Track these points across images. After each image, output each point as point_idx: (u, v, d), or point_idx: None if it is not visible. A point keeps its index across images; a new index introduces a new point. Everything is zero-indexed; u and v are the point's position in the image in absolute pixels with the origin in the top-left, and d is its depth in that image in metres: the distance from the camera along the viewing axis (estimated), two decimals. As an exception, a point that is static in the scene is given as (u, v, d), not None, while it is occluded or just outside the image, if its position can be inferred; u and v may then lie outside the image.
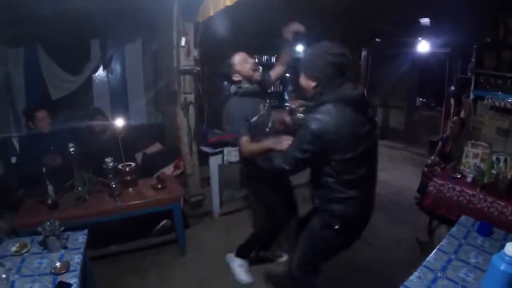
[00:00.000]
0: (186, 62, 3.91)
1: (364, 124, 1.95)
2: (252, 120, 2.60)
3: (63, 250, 2.16)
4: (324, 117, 1.84)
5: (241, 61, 2.69)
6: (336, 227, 2.05)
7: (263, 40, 6.58)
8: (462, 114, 5.21)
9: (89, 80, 5.24)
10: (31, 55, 4.72)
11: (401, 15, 5.63)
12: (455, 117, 4.93)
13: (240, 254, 3.14)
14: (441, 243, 2.20)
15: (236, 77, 2.69)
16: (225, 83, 2.76)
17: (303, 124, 1.91)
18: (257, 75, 2.73)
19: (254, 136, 2.52)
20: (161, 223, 3.61)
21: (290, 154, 1.96)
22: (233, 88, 2.73)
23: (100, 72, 5.33)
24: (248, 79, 2.71)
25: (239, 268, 3.11)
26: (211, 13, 3.35)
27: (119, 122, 3.49)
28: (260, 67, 7.69)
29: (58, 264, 1.97)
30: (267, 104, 2.75)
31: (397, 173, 6.11)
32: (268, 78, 3.01)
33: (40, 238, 2.20)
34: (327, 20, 5.73)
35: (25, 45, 4.66)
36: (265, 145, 2.31)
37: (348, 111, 1.87)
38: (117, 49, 5.32)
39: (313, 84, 1.99)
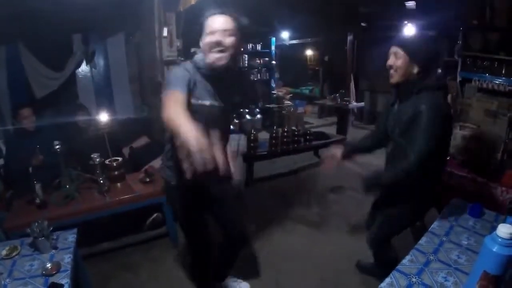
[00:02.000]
0: (169, 52, 3.88)
1: None
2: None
3: (53, 251, 2.11)
4: (439, 101, 1.96)
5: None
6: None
7: (248, 27, 6.52)
8: (449, 98, 5.23)
9: (73, 76, 5.17)
10: (13, 53, 4.64)
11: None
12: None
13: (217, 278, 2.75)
14: (432, 226, 2.21)
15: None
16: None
17: (420, 112, 1.92)
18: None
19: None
20: (152, 217, 3.57)
21: (422, 148, 1.92)
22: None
23: (84, 67, 5.27)
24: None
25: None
26: (193, 1, 3.30)
27: (103, 117, 3.44)
28: (246, 55, 7.66)
29: (49, 265, 1.93)
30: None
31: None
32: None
33: (30, 239, 2.16)
34: (313, 6, 5.70)
35: (6, 43, 4.57)
36: (186, 124, 1.48)
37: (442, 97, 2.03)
38: (100, 43, 5.26)
39: (417, 69, 2.02)
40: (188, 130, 1.44)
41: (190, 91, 1.86)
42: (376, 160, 3.12)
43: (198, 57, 1.97)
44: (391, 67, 2.13)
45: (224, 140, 2.23)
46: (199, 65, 1.95)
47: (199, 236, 2.37)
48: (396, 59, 2.09)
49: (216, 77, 1.96)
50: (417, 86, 2.02)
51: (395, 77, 2.13)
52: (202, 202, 2.23)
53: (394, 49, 2.13)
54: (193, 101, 1.88)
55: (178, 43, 3.92)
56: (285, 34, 9.48)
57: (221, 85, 2.00)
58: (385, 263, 2.54)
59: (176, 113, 1.58)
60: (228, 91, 2.07)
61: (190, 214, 2.27)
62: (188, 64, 2.00)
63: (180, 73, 1.92)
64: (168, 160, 2.14)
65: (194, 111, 1.75)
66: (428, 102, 1.91)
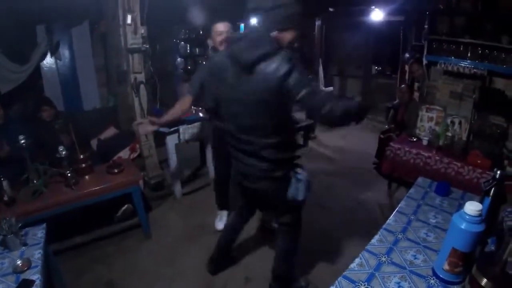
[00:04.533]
0: (133, 40, 3.80)
1: None
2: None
3: (23, 247, 2.08)
4: None
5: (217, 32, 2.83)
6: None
7: (216, 13, 6.43)
8: (415, 85, 5.32)
9: (37, 68, 4.99)
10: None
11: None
12: (402, 85, 5.04)
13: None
14: (399, 205, 2.24)
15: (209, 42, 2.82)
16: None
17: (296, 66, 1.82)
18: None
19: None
20: (122, 208, 3.53)
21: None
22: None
23: (48, 59, 5.09)
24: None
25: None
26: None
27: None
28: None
29: (19, 262, 1.90)
30: None
31: (356, 139, 6.25)
32: None
33: (-1, 238, 2.11)
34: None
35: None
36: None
37: None
38: (64, 33, 5.10)
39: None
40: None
41: None
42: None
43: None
44: None
45: None
46: None
47: None
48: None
49: None
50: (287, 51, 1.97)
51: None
52: None
53: None
54: None
55: (142, 30, 3.83)
56: (253, 20, 9.40)
57: None
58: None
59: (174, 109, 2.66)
60: None
61: None
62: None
63: None
64: None
65: None
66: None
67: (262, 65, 1.82)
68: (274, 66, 1.79)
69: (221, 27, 2.89)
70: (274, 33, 1.88)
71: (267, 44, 1.83)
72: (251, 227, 3.38)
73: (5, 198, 2.69)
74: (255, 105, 1.94)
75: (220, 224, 3.53)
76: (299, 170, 2.20)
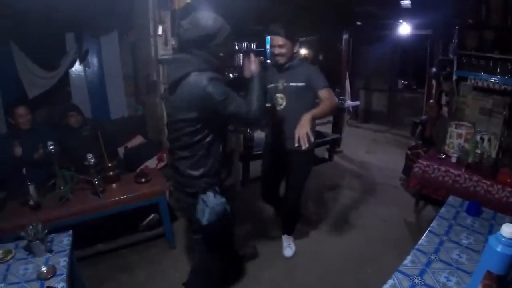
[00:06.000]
0: (164, 51, 3.85)
1: None
2: None
3: (48, 254, 2.09)
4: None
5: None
6: None
7: (243, 26, 6.48)
8: (444, 99, 5.24)
9: (66, 75, 5.11)
10: (5, 52, 4.57)
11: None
12: (431, 101, 4.97)
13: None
14: (431, 225, 2.21)
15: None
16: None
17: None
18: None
19: None
20: (149, 218, 3.54)
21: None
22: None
23: (77, 67, 5.20)
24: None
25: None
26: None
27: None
28: (240, 54, 7.64)
29: (44, 268, 1.90)
30: None
31: (381, 155, 6.15)
32: None
33: (24, 243, 2.13)
34: (308, 4, 5.69)
35: (-2, 42, 4.51)
36: None
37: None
38: (93, 41, 5.21)
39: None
40: None
41: None
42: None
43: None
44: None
45: None
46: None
47: None
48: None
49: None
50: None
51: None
52: None
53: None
54: None
55: (173, 42, 3.89)
56: (280, 33, 9.46)
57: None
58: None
59: None
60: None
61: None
62: None
63: None
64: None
65: None
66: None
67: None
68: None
69: (274, 41, 2.83)
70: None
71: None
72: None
73: (31, 203, 2.72)
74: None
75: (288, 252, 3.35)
76: (209, 193, 2.16)
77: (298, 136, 2.20)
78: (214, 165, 2.15)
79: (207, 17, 1.95)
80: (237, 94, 2.02)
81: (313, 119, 2.36)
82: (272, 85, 2.79)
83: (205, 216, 2.14)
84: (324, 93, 2.56)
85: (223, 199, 2.22)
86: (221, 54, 2.04)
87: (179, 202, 3.14)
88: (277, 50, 2.71)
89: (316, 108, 2.49)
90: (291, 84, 2.67)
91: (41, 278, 1.84)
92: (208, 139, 2.05)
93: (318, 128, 6.09)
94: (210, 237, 2.37)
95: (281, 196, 3.33)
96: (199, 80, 1.88)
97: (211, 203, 2.13)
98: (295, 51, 2.72)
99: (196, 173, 2.10)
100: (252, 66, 2.16)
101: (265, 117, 2.40)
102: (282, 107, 2.78)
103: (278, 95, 2.78)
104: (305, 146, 2.17)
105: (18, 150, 3.34)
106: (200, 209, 2.14)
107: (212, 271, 2.54)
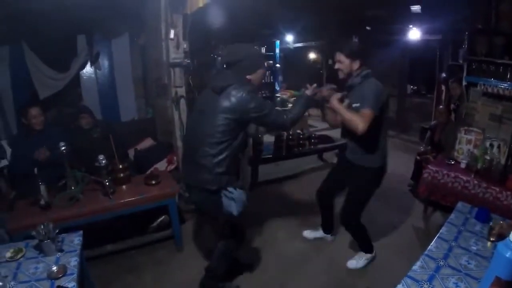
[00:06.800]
0: (175, 54, 3.87)
1: None
2: None
3: (59, 253, 2.11)
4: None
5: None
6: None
7: (253, 30, 6.52)
8: (452, 106, 5.21)
9: (77, 77, 5.16)
10: (17, 53, 4.63)
11: (392, 2, 5.60)
12: (440, 106, 4.96)
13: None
14: (440, 231, 2.21)
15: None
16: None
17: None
18: None
19: None
20: (159, 219, 3.56)
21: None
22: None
23: (88, 69, 5.25)
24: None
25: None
26: (200, 3, 3.30)
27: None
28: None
29: (54, 268, 1.92)
30: None
31: (390, 160, 6.09)
32: None
33: (34, 242, 2.15)
34: (318, 9, 5.70)
35: (10, 43, 4.57)
36: None
37: None
38: (104, 44, 5.26)
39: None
40: None
41: None
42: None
43: None
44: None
45: None
46: None
47: None
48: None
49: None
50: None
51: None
52: None
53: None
54: None
55: (184, 45, 3.91)
56: (289, 37, 9.49)
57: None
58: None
59: None
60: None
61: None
62: None
63: None
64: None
65: None
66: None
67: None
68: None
69: (336, 57, 2.94)
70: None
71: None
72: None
73: (42, 202, 2.74)
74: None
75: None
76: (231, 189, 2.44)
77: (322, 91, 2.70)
78: (234, 165, 2.50)
79: (238, 47, 2.51)
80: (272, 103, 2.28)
81: (336, 107, 2.58)
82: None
83: (234, 208, 2.43)
84: (363, 111, 2.50)
85: (243, 190, 2.52)
86: (248, 76, 2.42)
87: (189, 202, 3.37)
88: (336, 65, 2.81)
89: (349, 111, 2.54)
90: (354, 105, 2.68)
91: (52, 277, 1.86)
92: (234, 141, 2.36)
93: (327, 132, 6.10)
94: (238, 224, 2.71)
95: (332, 204, 3.43)
96: (239, 91, 2.27)
97: (236, 196, 2.42)
98: (355, 68, 2.72)
99: (220, 169, 2.35)
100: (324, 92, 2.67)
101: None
102: None
103: None
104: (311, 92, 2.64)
105: (45, 153, 3.38)
106: (227, 203, 2.42)
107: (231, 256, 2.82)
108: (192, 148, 2.44)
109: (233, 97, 2.26)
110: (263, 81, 3.01)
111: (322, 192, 3.32)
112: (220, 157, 2.33)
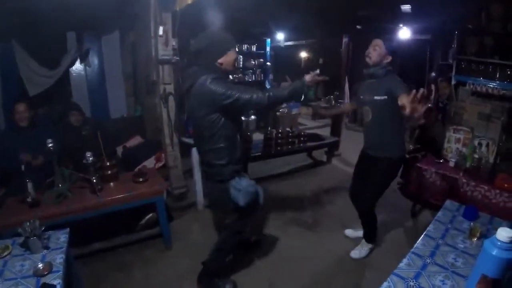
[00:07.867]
0: (164, 52, 3.85)
1: None
2: None
3: (45, 251, 2.08)
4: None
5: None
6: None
7: (243, 28, 6.49)
8: (440, 104, 5.25)
9: (66, 74, 5.12)
10: (6, 50, 4.58)
11: (382, 2, 5.62)
12: (429, 105, 4.97)
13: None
14: (428, 229, 2.21)
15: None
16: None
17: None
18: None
19: None
20: (147, 217, 3.54)
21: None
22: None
23: (78, 66, 5.22)
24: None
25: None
26: (189, 1, 3.28)
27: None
28: (240, 56, 7.68)
29: (40, 265, 1.90)
30: None
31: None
32: None
33: (21, 239, 2.13)
34: (309, 8, 5.69)
35: None
36: None
37: None
38: (94, 41, 5.23)
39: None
40: None
41: None
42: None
43: None
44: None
45: None
46: None
47: None
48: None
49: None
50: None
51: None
52: None
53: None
54: None
55: (173, 43, 3.89)
56: (280, 36, 9.50)
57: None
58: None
59: None
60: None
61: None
62: None
63: None
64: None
65: None
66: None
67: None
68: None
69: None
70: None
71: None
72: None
73: (29, 200, 2.71)
74: None
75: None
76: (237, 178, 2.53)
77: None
78: (236, 153, 2.52)
79: (202, 35, 2.45)
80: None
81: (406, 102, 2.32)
82: (361, 97, 3.02)
83: (240, 198, 2.47)
84: (401, 98, 2.41)
85: (252, 181, 2.61)
86: (219, 61, 2.40)
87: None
88: (371, 49, 2.89)
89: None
90: (375, 97, 2.79)
91: (37, 274, 1.84)
92: (224, 131, 2.40)
93: (317, 131, 6.12)
94: (245, 214, 2.68)
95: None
96: (204, 81, 2.31)
97: (243, 186, 2.48)
98: (385, 61, 2.85)
99: (222, 162, 2.46)
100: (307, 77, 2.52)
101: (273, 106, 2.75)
102: (368, 119, 2.96)
103: (365, 108, 2.97)
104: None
105: (39, 159, 3.40)
106: (234, 194, 2.48)
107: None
108: (197, 146, 2.66)
109: (200, 92, 2.33)
110: (237, 65, 3.11)
111: (353, 193, 3.39)
112: (216, 149, 2.43)
